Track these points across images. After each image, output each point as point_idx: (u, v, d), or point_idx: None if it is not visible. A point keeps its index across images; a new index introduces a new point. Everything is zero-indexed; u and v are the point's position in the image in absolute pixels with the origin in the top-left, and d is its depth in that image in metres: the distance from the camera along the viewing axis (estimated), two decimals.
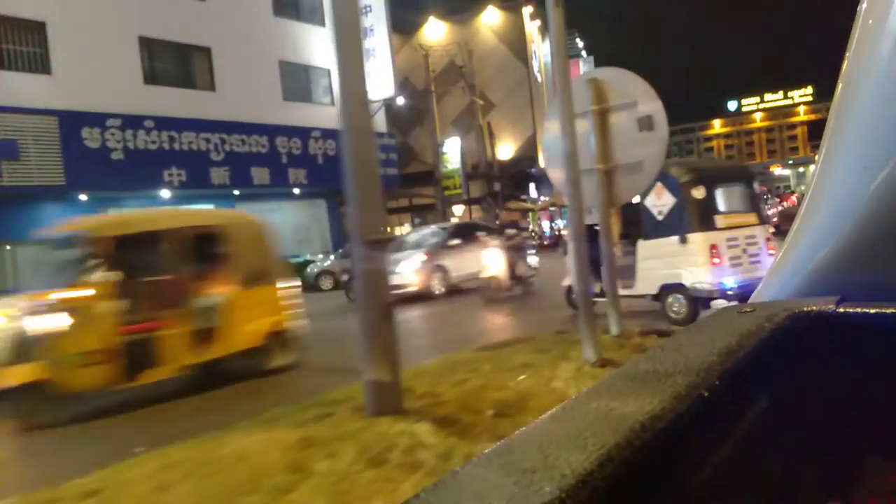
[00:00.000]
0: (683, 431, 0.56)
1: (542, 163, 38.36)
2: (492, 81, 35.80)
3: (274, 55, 20.10)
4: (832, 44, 1.21)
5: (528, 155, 36.36)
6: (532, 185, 38.41)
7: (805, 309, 0.83)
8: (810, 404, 0.82)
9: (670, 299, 7.69)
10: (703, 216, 7.40)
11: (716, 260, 7.30)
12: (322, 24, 21.95)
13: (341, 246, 21.42)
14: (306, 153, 20.10)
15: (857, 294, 0.85)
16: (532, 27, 38.41)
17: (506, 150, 36.61)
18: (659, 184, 7.41)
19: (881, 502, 0.79)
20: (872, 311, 0.79)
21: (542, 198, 38.18)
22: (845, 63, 0.87)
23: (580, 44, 50.87)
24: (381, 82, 21.78)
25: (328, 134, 20.77)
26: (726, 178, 8.16)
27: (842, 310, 0.81)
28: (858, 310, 0.80)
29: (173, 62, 18.06)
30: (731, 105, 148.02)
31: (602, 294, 8.20)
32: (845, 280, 0.90)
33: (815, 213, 0.95)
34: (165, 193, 17.69)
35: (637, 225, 7.95)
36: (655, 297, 7.86)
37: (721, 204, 7.66)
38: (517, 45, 36.17)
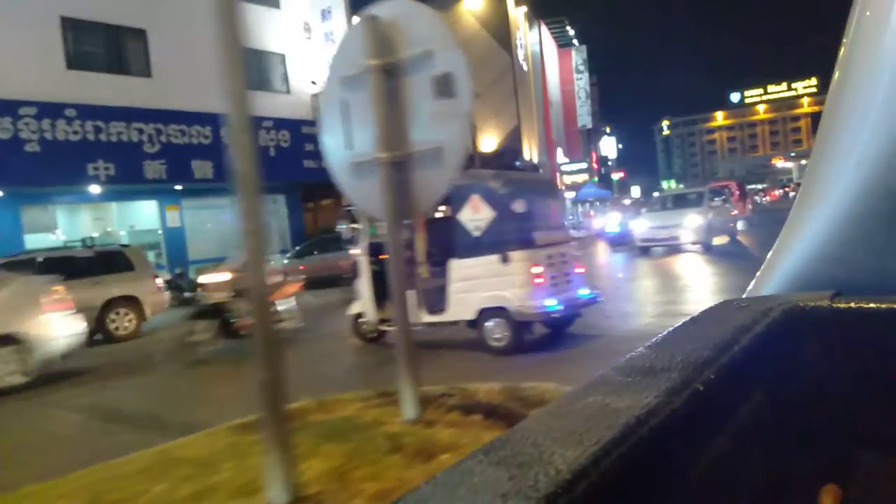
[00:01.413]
0: (679, 425, 0.56)
1: (526, 155, 36.86)
2: (475, 70, 33.81)
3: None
4: (837, 34, 0.97)
5: (512, 147, 34.74)
6: None
7: (800, 303, 0.85)
8: (805, 397, 0.84)
9: (490, 324, 6.89)
10: (525, 232, 6.84)
11: (539, 280, 6.73)
12: (276, 5, 20.45)
13: (302, 245, 19.93)
14: (256, 144, 18.59)
15: (852, 287, 0.87)
16: (517, 13, 36.75)
17: (489, 141, 35.04)
18: (476, 196, 6.72)
19: (874, 491, 0.81)
20: (867, 305, 0.80)
21: None
22: (841, 53, 0.88)
23: (571, 31, 49.03)
24: None
25: (282, 124, 19.30)
26: (540, 192, 7.77)
27: (837, 304, 0.83)
28: (853, 304, 0.81)
29: (102, 45, 16.55)
30: (734, 97, 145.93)
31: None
32: (840, 273, 0.91)
33: (809, 206, 0.97)
34: (95, 189, 16.24)
35: (447, 243, 7.14)
36: (472, 324, 7.04)
37: (538, 219, 7.19)
38: (500, 32, 34.51)
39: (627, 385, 0.61)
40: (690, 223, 16.51)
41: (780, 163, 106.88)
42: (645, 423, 0.53)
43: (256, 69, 19.76)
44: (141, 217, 18.97)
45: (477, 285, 6.80)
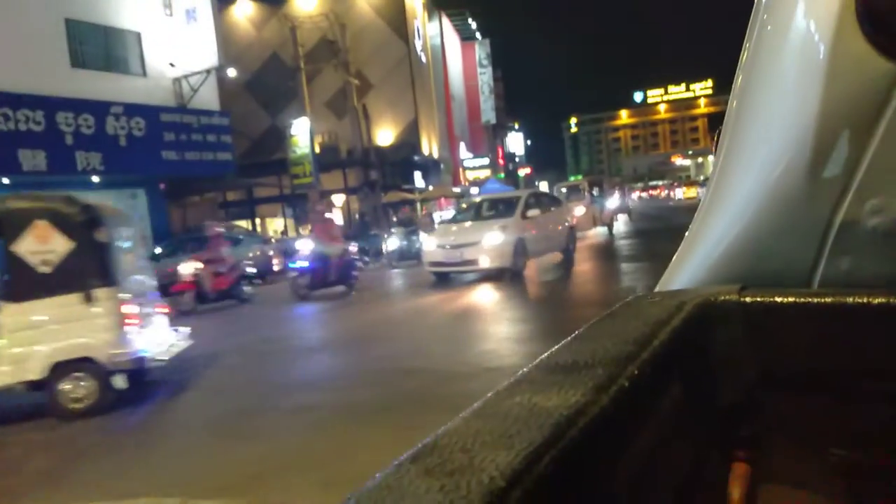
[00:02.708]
0: (607, 422, 0.56)
1: (425, 149, 35.76)
2: (370, 59, 32.67)
3: (57, 12, 16.26)
4: (732, 38, 1.10)
5: (409, 141, 33.55)
6: (418, 174, 35.71)
7: (710, 297, 0.89)
8: (717, 386, 0.88)
9: (68, 383, 5.57)
10: (113, 266, 5.78)
11: (133, 321, 5.77)
12: None
13: (165, 244, 17.79)
14: (102, 133, 16.43)
15: (756, 282, 0.92)
16: (415, 2, 35.49)
17: (386, 135, 33.67)
18: (43, 222, 5.50)
19: (778, 469, 0.87)
20: (771, 298, 0.86)
21: (430, 187, 35.56)
22: (743, 59, 0.92)
23: (473, 24, 48.26)
24: (203, 50, 18.34)
25: (134, 109, 17.16)
26: (118, 221, 6.47)
27: (743, 297, 0.87)
28: (758, 298, 0.86)
29: None
30: (637, 96, 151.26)
31: None
32: (747, 269, 0.96)
33: (717, 203, 1.01)
34: None
35: None
36: (38, 385, 5.59)
37: (123, 250, 6.22)
38: (396, 20, 33.11)
39: (553, 383, 0.61)
40: (490, 241, 11.81)
41: (678, 160, 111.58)
42: (574, 422, 0.52)
43: (102, 47, 17.53)
44: None
45: (47, 334, 5.51)
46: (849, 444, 0.83)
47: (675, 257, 1.08)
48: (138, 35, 18.25)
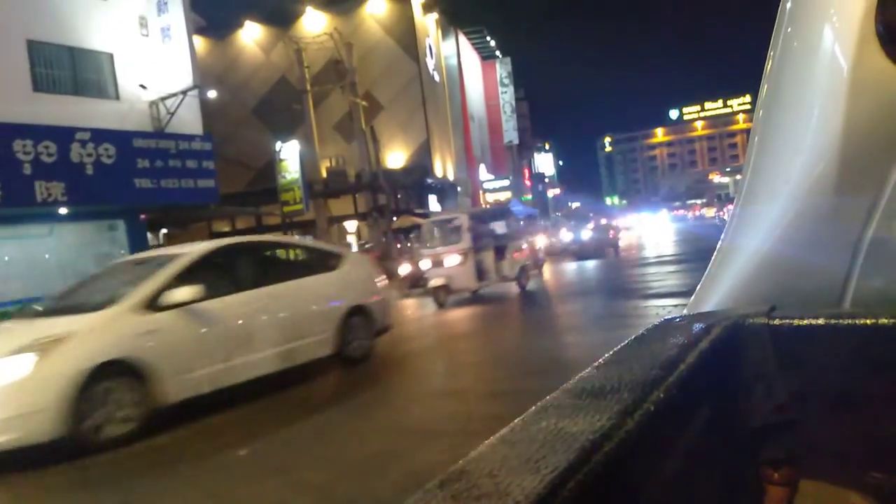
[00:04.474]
0: (633, 446, 0.56)
1: (438, 171, 34.24)
2: (379, 80, 31.43)
3: (17, 33, 15.24)
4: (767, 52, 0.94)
5: (421, 163, 32.06)
6: (433, 197, 34.17)
7: (739, 320, 0.87)
8: (750, 410, 0.85)
9: None
10: None
11: None
12: None
13: None
14: (66, 160, 15.23)
15: (787, 301, 0.90)
16: (427, 21, 34.22)
17: (397, 157, 32.25)
18: None
19: (813, 493, 0.84)
20: (801, 320, 0.83)
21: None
22: (768, 67, 0.91)
23: (492, 43, 46.67)
24: (177, 70, 17.13)
25: (103, 135, 15.94)
26: None
27: (772, 320, 0.85)
28: (787, 319, 0.84)
29: None
30: (673, 114, 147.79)
31: None
32: (777, 287, 0.93)
33: (745, 223, 1.00)
34: None
35: None
36: None
37: None
38: (406, 39, 31.86)
39: (579, 407, 0.61)
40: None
41: (716, 178, 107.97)
42: (600, 447, 0.52)
43: (68, 69, 16.43)
44: None
45: None
46: (887, 467, 0.81)
47: (704, 276, 1.07)
48: (111, 56, 17.14)
